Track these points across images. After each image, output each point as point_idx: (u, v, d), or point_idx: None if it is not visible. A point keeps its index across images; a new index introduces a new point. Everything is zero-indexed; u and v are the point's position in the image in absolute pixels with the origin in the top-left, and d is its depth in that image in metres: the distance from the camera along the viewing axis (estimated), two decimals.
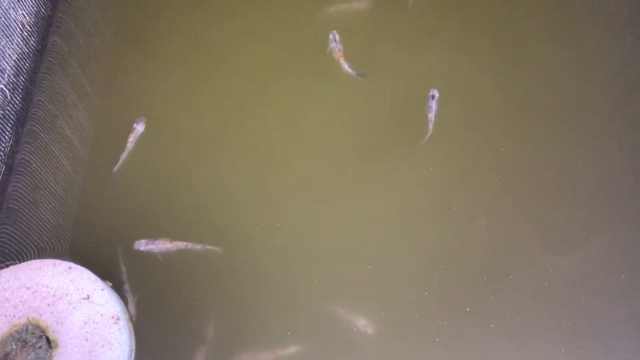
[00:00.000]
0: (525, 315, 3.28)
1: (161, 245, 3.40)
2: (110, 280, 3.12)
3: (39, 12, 3.82)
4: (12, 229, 3.36)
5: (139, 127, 3.75)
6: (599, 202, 3.60)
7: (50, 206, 3.50)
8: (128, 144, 3.70)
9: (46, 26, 3.90)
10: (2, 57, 3.45)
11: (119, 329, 2.78)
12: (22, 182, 3.49)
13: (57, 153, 3.67)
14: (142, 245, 3.40)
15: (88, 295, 2.80)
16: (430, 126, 3.72)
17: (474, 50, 4.15)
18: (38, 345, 2.70)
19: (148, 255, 3.39)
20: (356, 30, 4.21)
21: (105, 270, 3.13)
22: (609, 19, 4.32)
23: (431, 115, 3.72)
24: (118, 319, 2.80)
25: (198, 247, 3.42)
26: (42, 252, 3.36)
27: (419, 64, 4.08)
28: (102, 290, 2.86)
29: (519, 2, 4.38)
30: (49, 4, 3.94)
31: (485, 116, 3.89)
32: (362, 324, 3.25)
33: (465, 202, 3.58)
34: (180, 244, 3.41)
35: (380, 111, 3.89)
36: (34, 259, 3.17)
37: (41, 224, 3.44)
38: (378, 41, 4.18)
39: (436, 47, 4.15)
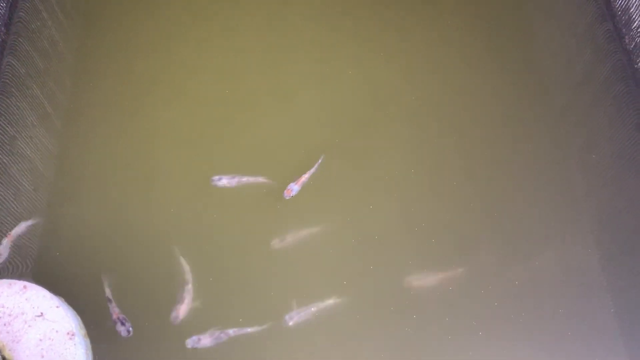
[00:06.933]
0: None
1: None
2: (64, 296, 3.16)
3: None
4: None
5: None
6: (548, 200, 3.76)
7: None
8: None
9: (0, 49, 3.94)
10: None
11: (74, 344, 2.83)
12: None
13: (16, 174, 3.70)
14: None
15: (42, 313, 2.85)
16: None
17: (438, 53, 4.31)
18: None
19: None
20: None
21: (66, 286, 3.21)
22: (557, 21, 4.49)
23: None
24: (73, 334, 2.85)
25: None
26: (3, 273, 3.39)
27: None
28: (57, 307, 2.91)
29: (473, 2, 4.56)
30: (3, 28, 3.99)
31: (438, 120, 4.04)
32: None
33: (428, 220, 3.70)
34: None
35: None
36: None
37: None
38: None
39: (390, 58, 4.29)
